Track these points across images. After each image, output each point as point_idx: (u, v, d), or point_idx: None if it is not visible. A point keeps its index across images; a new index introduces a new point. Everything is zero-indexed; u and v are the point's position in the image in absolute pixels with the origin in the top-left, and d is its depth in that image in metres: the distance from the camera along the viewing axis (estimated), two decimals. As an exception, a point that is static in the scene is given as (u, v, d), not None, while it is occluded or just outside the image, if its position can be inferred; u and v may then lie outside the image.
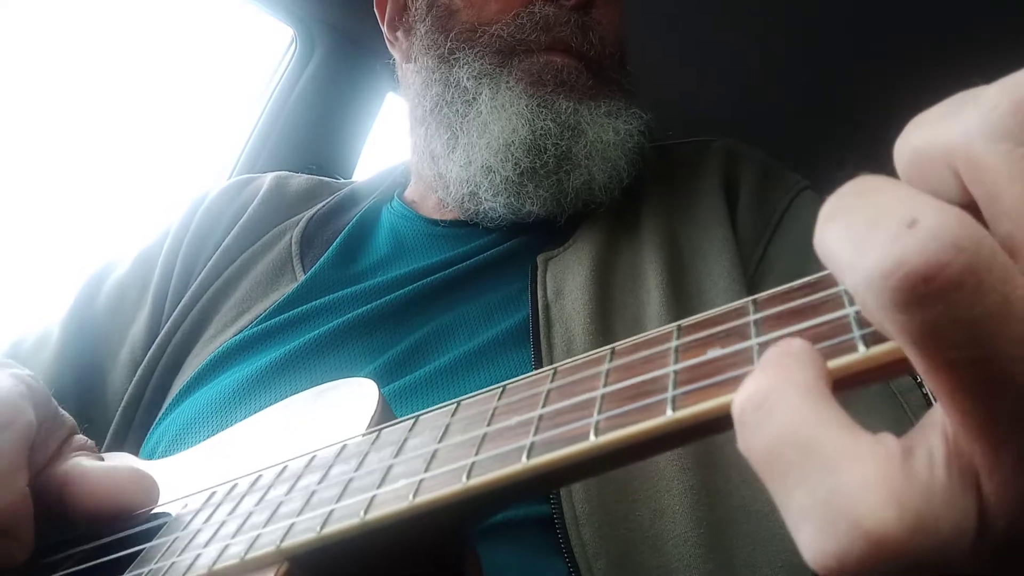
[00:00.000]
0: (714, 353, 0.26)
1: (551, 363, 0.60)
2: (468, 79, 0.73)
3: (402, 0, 0.84)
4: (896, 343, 0.22)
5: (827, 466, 0.20)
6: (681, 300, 0.65)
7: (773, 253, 0.70)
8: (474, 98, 0.73)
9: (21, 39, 1.26)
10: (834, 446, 0.20)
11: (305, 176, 0.91)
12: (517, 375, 0.60)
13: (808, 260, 0.70)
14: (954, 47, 1.39)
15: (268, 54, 1.44)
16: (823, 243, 0.21)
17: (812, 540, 0.20)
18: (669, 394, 0.25)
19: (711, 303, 0.65)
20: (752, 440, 0.21)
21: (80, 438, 0.48)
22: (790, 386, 0.21)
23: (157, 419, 0.69)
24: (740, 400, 0.22)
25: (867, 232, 0.20)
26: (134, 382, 0.73)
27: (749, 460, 0.22)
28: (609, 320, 0.64)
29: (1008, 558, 0.21)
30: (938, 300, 0.18)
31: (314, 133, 1.42)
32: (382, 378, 0.61)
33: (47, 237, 1.27)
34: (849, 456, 0.20)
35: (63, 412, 0.48)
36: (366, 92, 1.44)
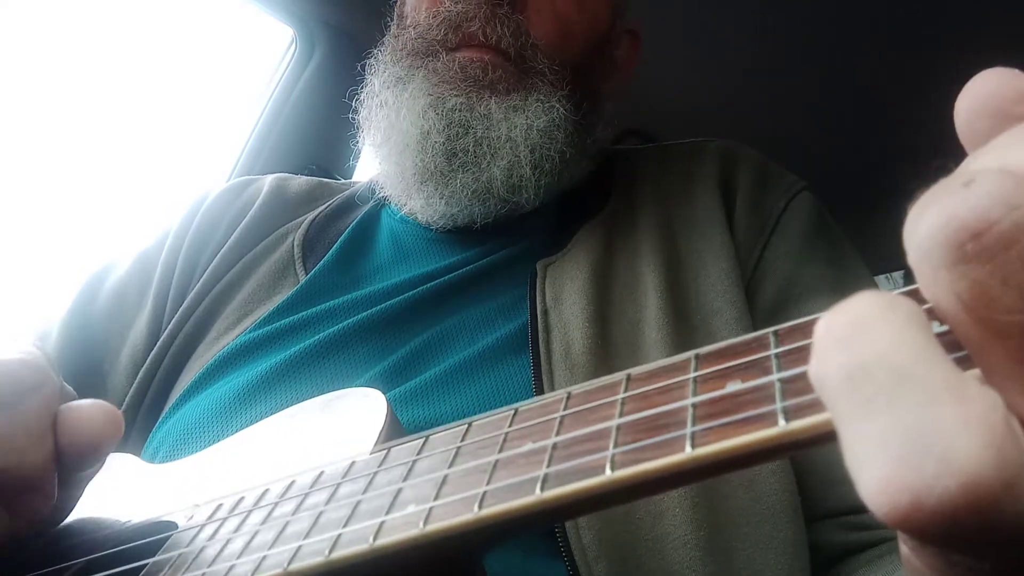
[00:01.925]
0: (734, 387, 0.25)
1: (550, 369, 0.60)
2: (379, 85, 0.74)
3: None
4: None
5: (924, 395, 0.18)
6: (679, 304, 0.65)
7: (770, 256, 0.70)
8: (381, 104, 0.73)
9: (21, 39, 1.25)
10: (936, 377, 0.18)
11: (305, 178, 0.90)
12: (516, 381, 0.61)
13: (804, 263, 0.71)
14: (955, 45, 1.39)
15: (268, 54, 1.43)
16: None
17: (887, 471, 0.17)
18: (688, 430, 0.25)
19: (709, 307, 0.65)
20: (835, 359, 0.19)
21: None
22: (894, 311, 0.19)
23: (158, 423, 0.68)
24: (831, 317, 0.20)
25: (931, 196, 0.19)
26: (135, 385, 0.72)
27: (820, 384, 0.20)
28: (607, 325, 0.64)
29: None
30: (987, 258, 0.18)
31: (314, 133, 1.41)
32: (383, 384, 0.61)
33: (47, 237, 1.27)
34: (952, 391, 0.18)
35: (65, 385, 0.48)
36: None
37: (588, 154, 0.78)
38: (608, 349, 0.62)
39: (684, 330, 0.63)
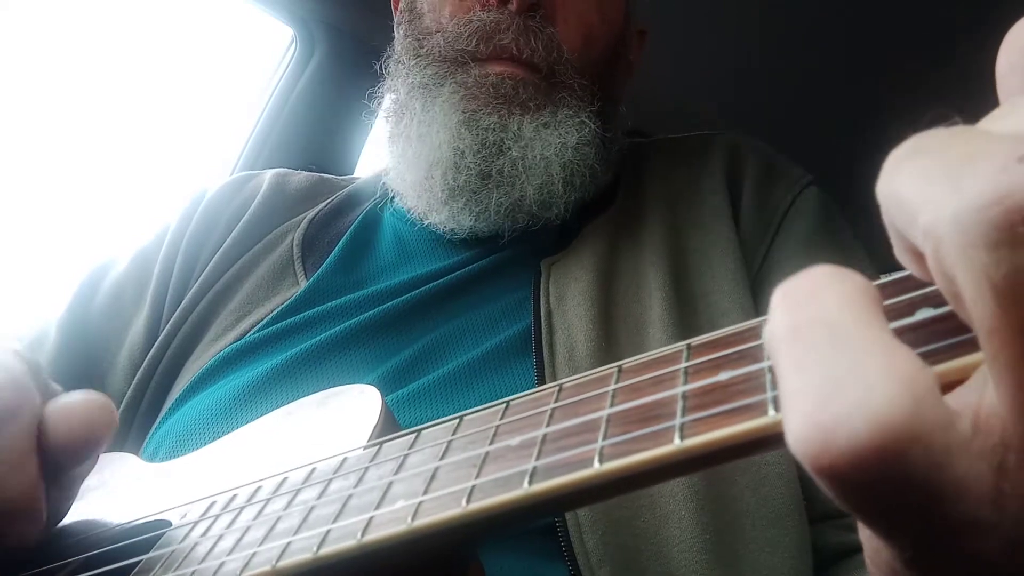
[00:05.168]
0: (725, 376, 0.25)
1: (553, 371, 0.60)
2: (404, 90, 0.73)
3: None
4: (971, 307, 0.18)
5: (854, 351, 0.18)
6: (684, 304, 0.64)
7: (776, 254, 0.69)
8: (408, 112, 0.71)
9: (21, 39, 1.25)
10: (870, 339, 0.18)
11: (305, 173, 0.89)
12: (520, 383, 0.60)
13: (812, 260, 0.69)
14: (958, 43, 1.38)
15: (268, 54, 1.43)
16: (893, 184, 0.19)
17: (804, 411, 0.18)
18: (677, 421, 0.24)
19: (715, 306, 0.65)
20: (784, 319, 0.19)
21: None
22: (847, 284, 0.20)
23: (157, 423, 0.68)
24: (787, 283, 0.20)
25: (964, 165, 0.17)
26: (133, 385, 0.72)
27: (768, 341, 0.20)
28: (612, 326, 0.63)
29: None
30: None
31: (314, 133, 1.41)
32: (386, 385, 0.61)
33: (47, 236, 1.27)
34: (883, 351, 0.18)
35: (52, 383, 0.46)
36: (366, 92, 1.43)
37: (612, 163, 0.78)
38: (612, 350, 0.61)
39: (689, 331, 0.62)
